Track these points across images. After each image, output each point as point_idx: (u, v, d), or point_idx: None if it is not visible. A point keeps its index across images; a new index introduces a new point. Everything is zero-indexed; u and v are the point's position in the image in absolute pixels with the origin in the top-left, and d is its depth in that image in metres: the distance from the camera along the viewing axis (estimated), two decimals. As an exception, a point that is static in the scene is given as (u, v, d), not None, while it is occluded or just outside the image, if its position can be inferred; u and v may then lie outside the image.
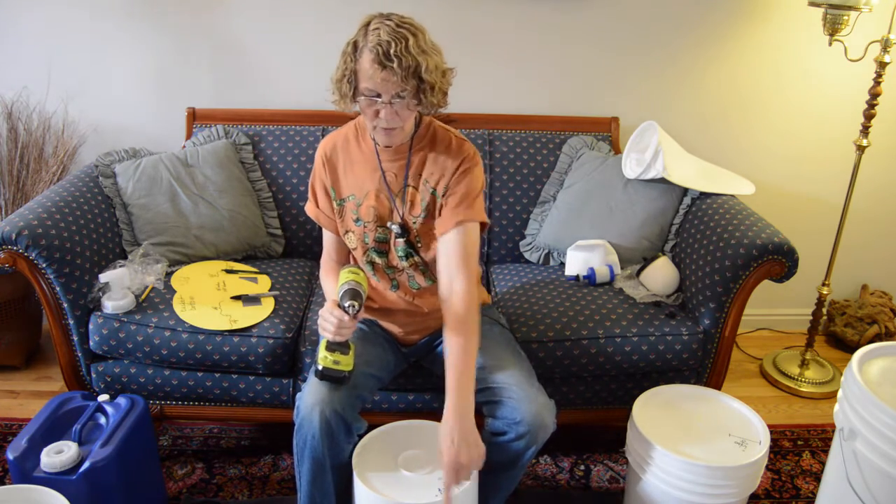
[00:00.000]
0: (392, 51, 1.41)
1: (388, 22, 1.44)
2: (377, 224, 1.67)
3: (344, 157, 1.68)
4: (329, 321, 1.51)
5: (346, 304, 1.49)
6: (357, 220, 1.68)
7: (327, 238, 1.78)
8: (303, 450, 1.53)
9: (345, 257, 1.79)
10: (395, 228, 1.66)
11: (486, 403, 1.63)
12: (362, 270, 1.60)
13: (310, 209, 1.76)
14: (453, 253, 1.58)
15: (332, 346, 1.52)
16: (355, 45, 1.46)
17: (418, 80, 1.45)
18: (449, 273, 1.58)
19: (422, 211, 1.65)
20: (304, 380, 1.91)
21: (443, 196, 1.62)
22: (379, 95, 1.46)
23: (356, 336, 1.69)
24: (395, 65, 1.41)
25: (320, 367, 1.51)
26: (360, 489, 1.51)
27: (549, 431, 1.57)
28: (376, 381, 1.69)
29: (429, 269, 1.73)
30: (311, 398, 1.51)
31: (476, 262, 1.64)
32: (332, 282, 1.69)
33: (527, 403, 1.54)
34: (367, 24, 1.46)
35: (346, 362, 1.52)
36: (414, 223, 1.66)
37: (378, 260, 1.71)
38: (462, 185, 1.61)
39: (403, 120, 1.51)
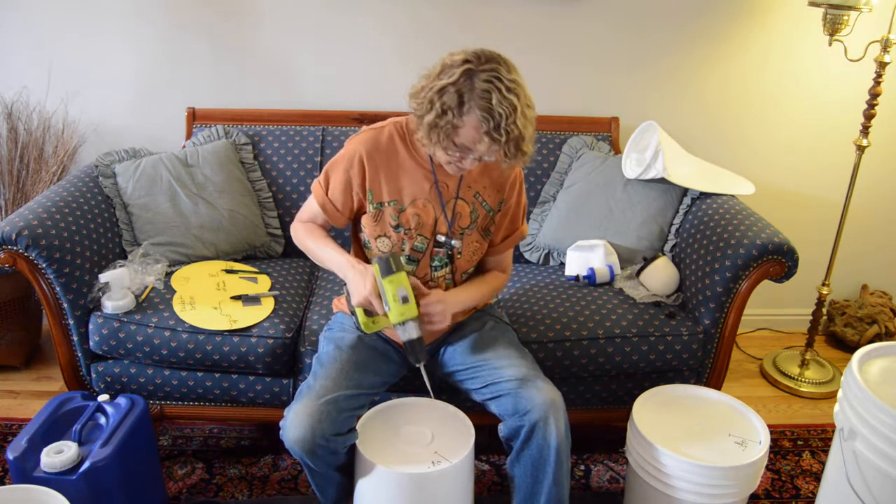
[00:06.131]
0: (503, 124, 1.40)
1: (498, 83, 1.39)
2: (418, 232, 1.66)
3: (389, 160, 1.63)
4: (369, 299, 1.53)
5: (420, 365, 1.55)
6: (397, 226, 1.66)
7: (315, 212, 1.72)
8: (299, 458, 1.54)
9: (327, 230, 1.75)
10: (455, 244, 1.67)
11: (493, 399, 1.63)
12: (404, 272, 1.54)
13: (317, 193, 1.69)
14: (505, 259, 1.83)
15: (369, 311, 1.59)
16: (460, 98, 1.41)
17: (516, 149, 1.46)
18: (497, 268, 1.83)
19: (471, 223, 1.70)
20: (304, 379, 1.91)
21: (498, 211, 1.73)
22: (470, 151, 1.48)
23: (355, 353, 1.67)
24: (503, 139, 1.42)
25: (367, 332, 1.61)
26: (362, 461, 1.55)
27: (562, 415, 1.55)
28: (368, 397, 1.65)
29: (453, 284, 1.75)
30: (294, 432, 1.47)
31: None
32: (324, 244, 1.67)
33: (534, 391, 1.56)
34: (470, 73, 1.40)
35: (381, 321, 1.58)
36: (461, 234, 1.69)
37: (406, 267, 1.69)
38: (519, 203, 1.76)
39: (481, 165, 1.58)
